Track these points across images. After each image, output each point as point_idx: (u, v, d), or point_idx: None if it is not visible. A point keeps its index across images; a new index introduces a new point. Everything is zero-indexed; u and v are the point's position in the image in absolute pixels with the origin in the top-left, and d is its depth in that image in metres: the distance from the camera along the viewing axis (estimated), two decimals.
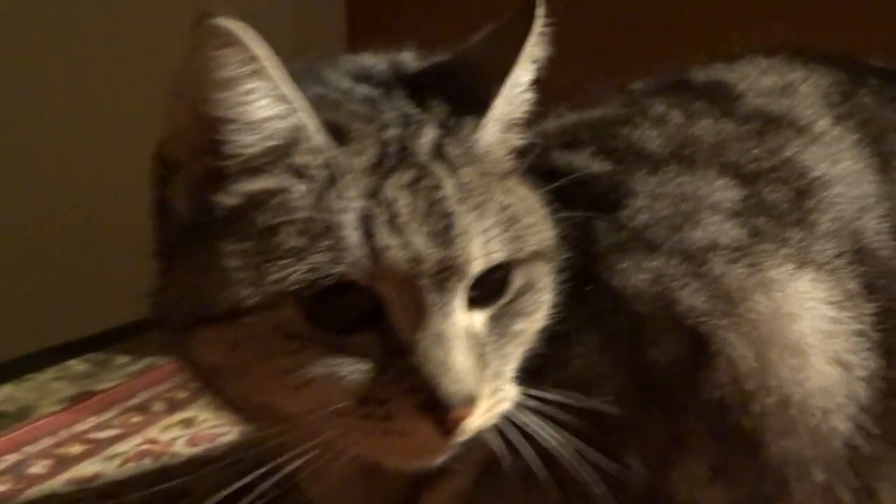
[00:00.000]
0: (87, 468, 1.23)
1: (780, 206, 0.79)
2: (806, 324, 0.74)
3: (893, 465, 0.77)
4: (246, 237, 0.67)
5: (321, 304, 0.66)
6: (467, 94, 0.73)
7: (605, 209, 0.79)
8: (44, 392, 1.57)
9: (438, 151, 0.70)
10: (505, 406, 0.71)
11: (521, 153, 0.77)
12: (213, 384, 0.75)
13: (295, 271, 0.65)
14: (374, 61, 0.79)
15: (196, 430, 1.33)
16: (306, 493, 0.80)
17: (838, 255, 0.77)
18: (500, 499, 0.77)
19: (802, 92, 0.87)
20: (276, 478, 0.69)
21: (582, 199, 0.78)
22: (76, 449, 1.30)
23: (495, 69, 0.73)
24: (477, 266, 0.68)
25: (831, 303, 0.76)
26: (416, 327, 0.66)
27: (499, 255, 0.69)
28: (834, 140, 0.83)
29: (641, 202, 0.79)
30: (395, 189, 0.67)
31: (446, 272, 0.66)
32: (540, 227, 0.74)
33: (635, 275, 0.76)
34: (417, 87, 0.75)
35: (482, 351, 0.69)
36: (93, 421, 1.40)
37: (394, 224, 0.66)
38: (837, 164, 0.81)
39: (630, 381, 0.75)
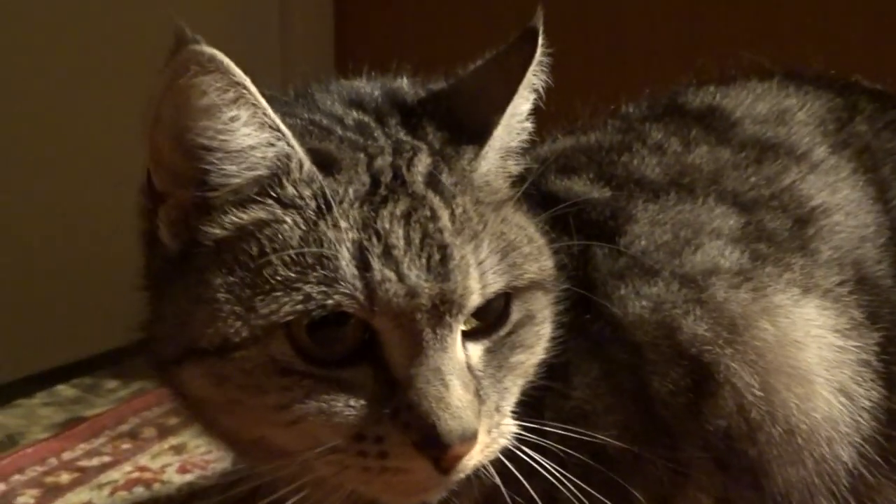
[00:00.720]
0: (76, 497, 1.20)
1: (780, 234, 0.78)
2: (812, 352, 0.74)
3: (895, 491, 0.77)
4: (235, 269, 0.65)
5: (312, 336, 0.64)
6: (465, 122, 0.72)
7: (605, 237, 0.78)
8: (32, 418, 1.55)
9: (433, 180, 0.69)
10: (504, 442, 0.69)
11: (517, 179, 0.76)
12: (203, 416, 0.73)
13: (286, 303, 0.63)
14: (368, 87, 0.78)
15: (187, 456, 1.31)
16: None
17: (841, 284, 0.77)
18: None
19: (798, 119, 0.87)
20: None
21: (580, 226, 0.77)
22: (65, 478, 1.27)
23: (495, 98, 0.72)
24: (475, 300, 0.66)
25: (837, 331, 0.75)
26: (412, 362, 0.64)
27: (496, 287, 0.68)
28: (832, 169, 0.83)
29: (641, 229, 0.78)
30: (390, 220, 0.65)
31: (443, 306, 0.64)
32: (538, 256, 0.72)
33: (635, 302, 0.75)
34: (411, 113, 0.74)
35: (480, 385, 0.67)
36: (82, 448, 1.38)
37: (389, 256, 0.64)
38: (836, 193, 0.81)
39: (632, 412, 0.73)
